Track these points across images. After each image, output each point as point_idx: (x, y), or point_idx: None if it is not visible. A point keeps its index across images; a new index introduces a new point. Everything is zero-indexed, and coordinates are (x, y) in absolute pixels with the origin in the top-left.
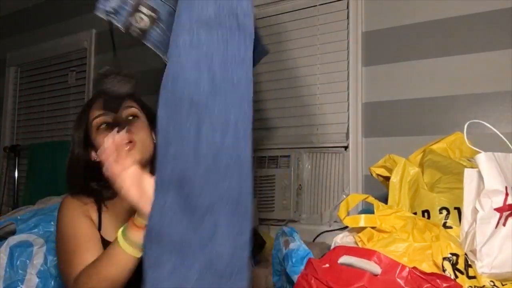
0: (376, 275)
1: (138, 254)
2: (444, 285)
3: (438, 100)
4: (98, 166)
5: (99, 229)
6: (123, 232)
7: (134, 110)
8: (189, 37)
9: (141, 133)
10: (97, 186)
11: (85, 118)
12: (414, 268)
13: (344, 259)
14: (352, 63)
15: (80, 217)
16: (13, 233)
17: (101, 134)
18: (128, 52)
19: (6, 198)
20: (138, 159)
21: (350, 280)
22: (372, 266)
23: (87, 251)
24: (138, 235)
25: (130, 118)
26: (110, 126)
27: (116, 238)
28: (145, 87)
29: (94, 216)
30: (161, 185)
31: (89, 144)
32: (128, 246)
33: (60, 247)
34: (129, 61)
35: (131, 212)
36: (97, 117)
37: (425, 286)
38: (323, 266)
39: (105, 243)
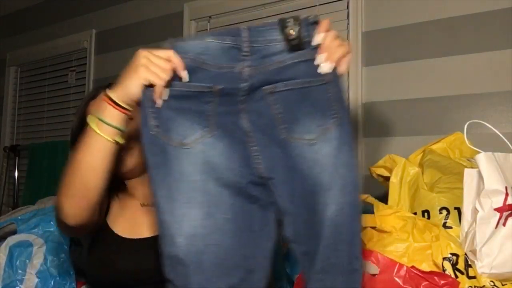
0: (374, 275)
1: (111, 137)
2: (442, 282)
3: (438, 100)
4: None
5: (106, 216)
6: (97, 115)
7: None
8: None
9: None
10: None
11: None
12: (412, 267)
13: None
14: (352, 63)
15: None
16: (13, 233)
17: None
18: (128, 52)
19: (6, 198)
20: None
21: None
22: (370, 266)
23: None
24: (112, 114)
25: None
26: None
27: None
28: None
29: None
30: None
31: None
32: (99, 128)
33: None
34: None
35: (140, 211)
36: None
37: (423, 284)
38: None
39: (110, 233)
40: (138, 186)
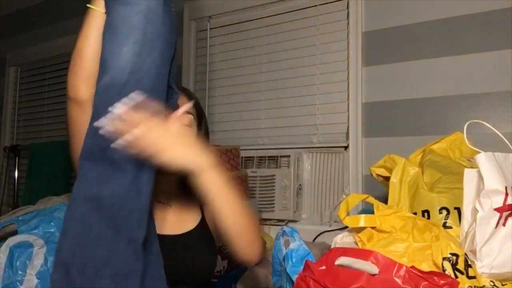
0: (373, 275)
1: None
2: (442, 282)
3: (438, 100)
4: None
5: None
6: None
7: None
8: None
9: None
10: None
11: None
12: (412, 267)
13: (341, 261)
14: (352, 63)
15: None
16: (14, 233)
17: None
18: None
19: (6, 198)
20: None
21: (348, 281)
22: (369, 266)
23: None
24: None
25: None
26: None
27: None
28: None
29: None
30: None
31: None
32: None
33: None
34: None
35: (156, 208)
36: None
37: (422, 284)
38: (320, 268)
39: None
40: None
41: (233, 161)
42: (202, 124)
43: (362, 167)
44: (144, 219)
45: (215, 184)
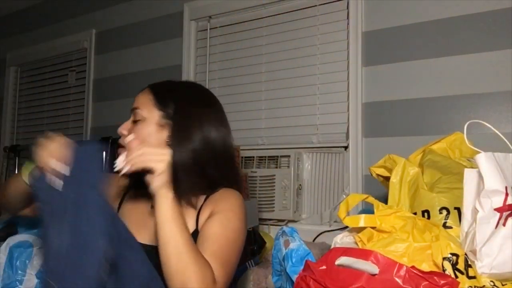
0: (374, 275)
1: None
2: (442, 282)
3: (438, 100)
4: None
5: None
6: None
7: (137, 113)
8: None
9: (134, 137)
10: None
11: None
12: (412, 267)
13: (341, 261)
14: (352, 63)
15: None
16: (14, 233)
17: None
18: (128, 52)
19: None
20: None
21: (348, 280)
22: (369, 266)
23: None
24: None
25: (133, 122)
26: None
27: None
28: (142, 87)
29: (117, 199)
30: None
31: None
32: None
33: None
34: (128, 61)
35: (145, 216)
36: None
37: (423, 284)
38: (320, 268)
39: None
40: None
41: None
42: (166, 109)
43: (362, 167)
44: None
45: (161, 205)
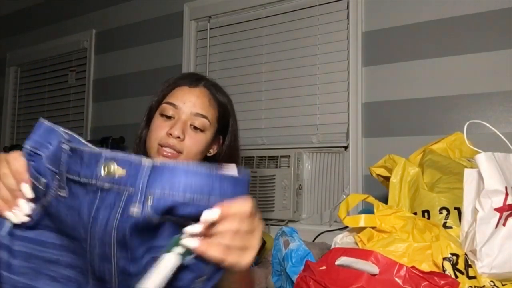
0: (374, 275)
1: None
2: (442, 282)
3: (438, 100)
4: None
5: None
6: None
7: (204, 122)
8: None
9: (194, 146)
10: None
11: (164, 92)
12: (412, 267)
13: (341, 261)
14: (352, 63)
15: None
16: None
17: (160, 118)
18: (128, 52)
19: None
20: None
21: (348, 280)
22: (369, 266)
23: None
24: None
25: (193, 127)
26: (170, 119)
27: None
28: (142, 87)
29: None
30: None
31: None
32: None
33: None
34: (128, 61)
35: None
36: (169, 103)
37: (423, 284)
38: (320, 268)
39: None
40: None
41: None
42: (228, 132)
43: (362, 167)
44: None
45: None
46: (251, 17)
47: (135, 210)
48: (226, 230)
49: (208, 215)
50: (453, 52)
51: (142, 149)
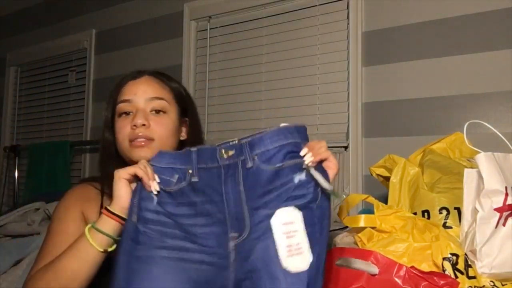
0: (373, 275)
1: (101, 247)
2: (442, 282)
3: (438, 100)
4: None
5: None
6: (92, 224)
7: (163, 103)
8: None
9: (162, 129)
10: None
11: (114, 97)
12: (412, 267)
13: (341, 261)
14: (352, 63)
15: (74, 215)
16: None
17: (120, 119)
18: (128, 52)
19: (6, 198)
20: (150, 156)
21: (348, 280)
22: (369, 266)
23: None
24: (108, 224)
25: (154, 112)
26: (129, 115)
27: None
28: None
29: (94, 212)
30: None
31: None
32: (94, 239)
33: (46, 235)
34: (128, 61)
35: None
36: (121, 102)
37: (422, 284)
38: None
39: None
40: None
41: None
42: (188, 113)
43: (362, 167)
44: None
45: None
46: (251, 17)
47: (249, 164)
48: (319, 146)
49: (303, 149)
50: (453, 52)
51: (115, 156)
